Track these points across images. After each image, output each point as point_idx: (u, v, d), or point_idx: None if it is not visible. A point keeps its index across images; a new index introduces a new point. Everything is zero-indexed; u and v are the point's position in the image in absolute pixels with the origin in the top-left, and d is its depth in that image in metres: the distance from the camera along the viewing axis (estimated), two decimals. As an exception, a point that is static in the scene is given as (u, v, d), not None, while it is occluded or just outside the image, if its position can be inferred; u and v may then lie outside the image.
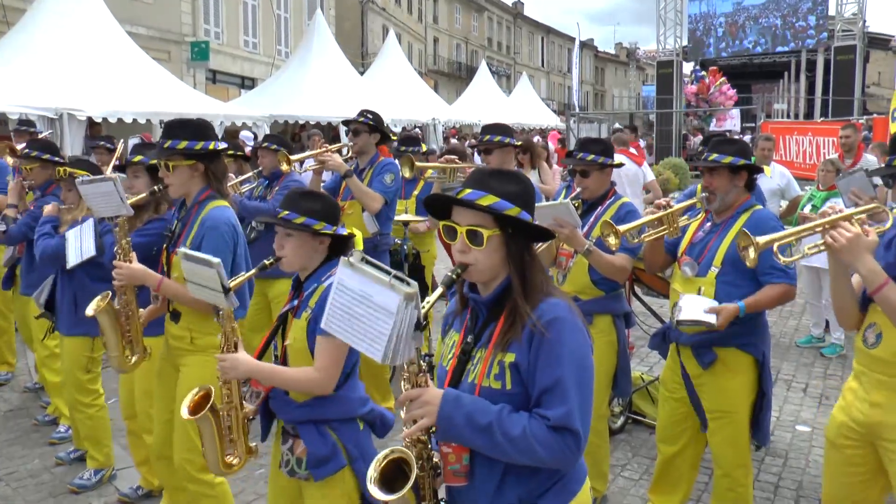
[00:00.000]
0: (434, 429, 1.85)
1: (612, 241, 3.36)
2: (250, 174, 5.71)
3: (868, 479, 2.71)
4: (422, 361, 1.84)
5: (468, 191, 1.90)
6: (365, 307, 1.73)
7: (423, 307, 1.77)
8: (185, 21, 21.60)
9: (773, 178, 6.95)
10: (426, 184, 5.94)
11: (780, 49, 29.57)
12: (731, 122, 22.05)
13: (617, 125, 19.49)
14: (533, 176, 7.05)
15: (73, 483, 4.23)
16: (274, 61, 24.51)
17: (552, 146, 12.80)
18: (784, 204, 7.23)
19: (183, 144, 3.18)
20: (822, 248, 2.56)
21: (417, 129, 19.28)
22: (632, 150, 8.15)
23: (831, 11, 27.29)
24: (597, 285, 3.72)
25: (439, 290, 1.89)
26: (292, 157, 5.08)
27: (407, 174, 5.18)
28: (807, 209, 6.19)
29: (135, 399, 3.83)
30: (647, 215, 3.54)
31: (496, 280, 1.96)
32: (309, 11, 26.25)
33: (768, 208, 4.60)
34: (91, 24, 12.74)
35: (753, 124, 20.99)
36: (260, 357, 2.72)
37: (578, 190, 3.79)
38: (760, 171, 3.59)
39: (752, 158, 3.49)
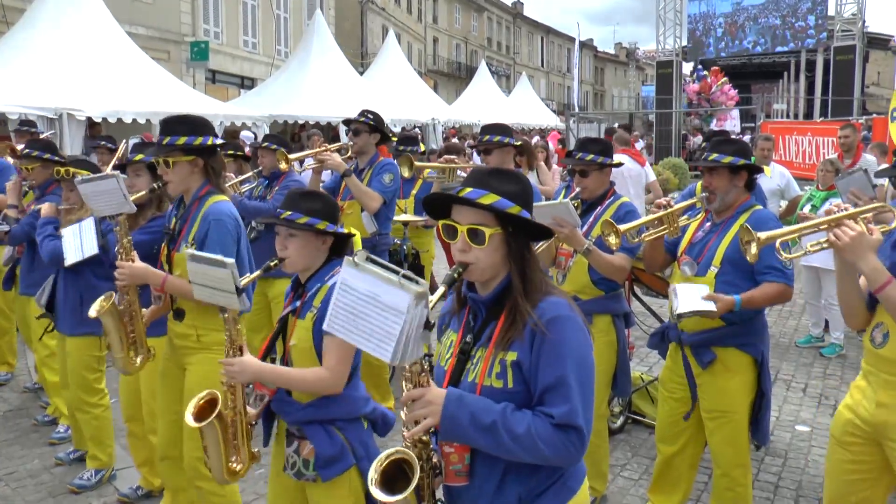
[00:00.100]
0: (434, 428, 1.85)
1: (612, 240, 3.36)
2: (250, 174, 5.72)
3: (872, 478, 2.70)
4: (423, 361, 1.84)
5: (469, 189, 1.90)
6: (372, 307, 1.70)
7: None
8: (185, 21, 21.60)
9: (773, 178, 6.96)
10: (424, 183, 5.94)
11: (779, 49, 29.61)
12: (732, 122, 22.05)
13: (615, 125, 19.45)
14: (531, 177, 7.06)
15: (73, 483, 4.23)
16: (273, 61, 24.51)
17: (552, 146, 12.81)
18: (784, 204, 7.24)
19: (182, 140, 3.17)
20: (826, 245, 2.56)
21: (417, 130, 19.29)
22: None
23: (831, 11, 27.34)
24: (596, 285, 3.72)
25: (441, 290, 1.89)
26: (291, 156, 5.09)
27: (406, 174, 5.18)
28: (806, 209, 6.19)
29: (141, 400, 3.79)
30: (647, 215, 3.54)
31: (496, 279, 1.96)
32: (308, 11, 26.26)
33: (769, 208, 4.61)
34: (90, 23, 12.73)
35: (753, 124, 20.99)
36: (263, 360, 2.71)
37: (578, 190, 3.79)
38: (760, 171, 3.59)
39: (752, 158, 3.50)
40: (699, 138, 20.60)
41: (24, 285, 4.93)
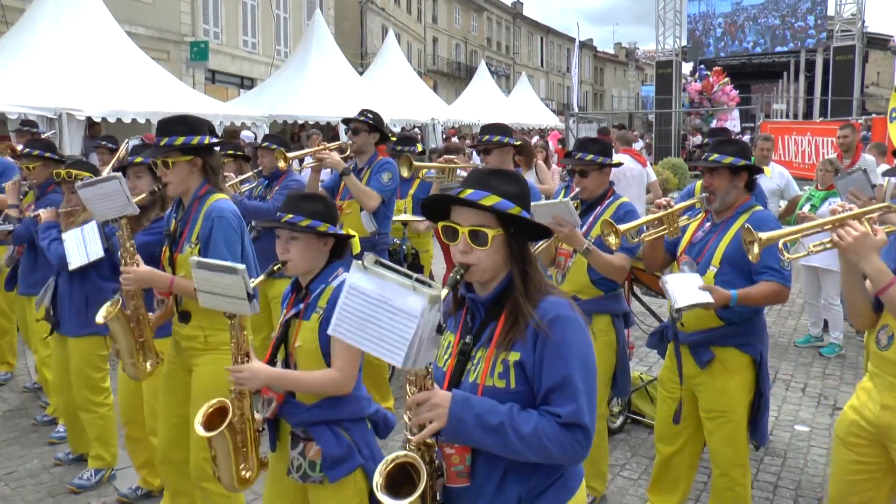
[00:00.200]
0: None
1: (612, 240, 3.36)
2: (250, 174, 5.72)
3: (877, 479, 2.69)
4: (427, 364, 1.83)
5: (470, 191, 1.90)
6: (383, 311, 1.66)
7: None
8: (185, 21, 21.59)
9: (773, 178, 6.96)
10: (422, 183, 5.93)
11: (779, 49, 29.64)
12: (732, 122, 22.06)
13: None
14: (530, 176, 7.06)
15: (73, 483, 4.22)
16: (273, 61, 24.50)
17: (552, 146, 12.82)
18: (783, 204, 7.25)
19: (180, 140, 3.15)
20: (829, 245, 2.56)
21: (417, 130, 19.29)
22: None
23: (830, 11, 27.36)
24: (596, 285, 3.73)
25: (444, 291, 1.89)
26: (289, 155, 5.09)
27: (405, 174, 5.17)
28: (805, 209, 6.19)
29: (143, 401, 3.77)
30: (647, 215, 3.54)
31: (495, 280, 1.96)
32: (308, 11, 26.25)
33: (768, 208, 4.61)
34: (90, 23, 12.72)
35: (752, 124, 21.02)
36: (269, 364, 2.68)
37: (577, 190, 3.79)
38: (761, 171, 3.60)
39: (752, 159, 3.50)
40: (698, 138, 20.63)
41: (25, 285, 4.93)
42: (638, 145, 15.08)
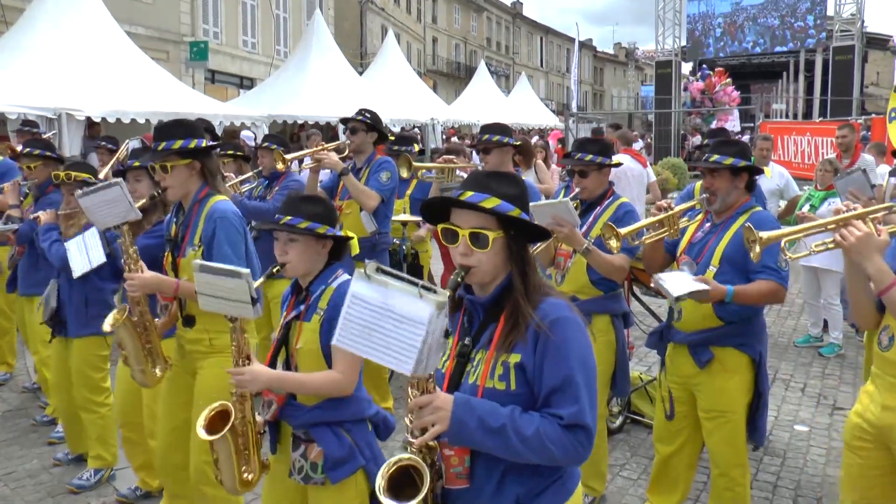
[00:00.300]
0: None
1: (613, 243, 3.35)
2: (250, 174, 5.72)
3: (887, 483, 2.65)
4: None
5: (470, 193, 1.90)
6: (388, 319, 1.64)
7: None
8: (184, 21, 21.59)
9: (772, 178, 6.97)
10: (420, 183, 5.93)
11: (778, 49, 29.63)
12: (732, 122, 22.06)
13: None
14: (529, 176, 7.06)
15: (72, 483, 4.22)
16: (273, 61, 24.48)
17: (552, 145, 12.82)
18: (783, 204, 7.25)
19: (178, 144, 3.14)
20: (831, 246, 2.55)
21: (416, 130, 19.28)
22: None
23: (830, 11, 27.34)
24: (595, 285, 3.73)
25: (446, 293, 1.89)
26: (288, 156, 5.09)
27: (404, 174, 5.17)
28: (805, 209, 6.20)
29: (142, 403, 3.75)
30: (647, 216, 3.54)
31: (495, 281, 1.96)
32: (308, 11, 26.24)
33: (768, 209, 4.62)
34: (90, 23, 12.72)
35: (752, 124, 21.01)
36: (270, 367, 2.68)
37: (577, 190, 3.80)
38: (761, 172, 3.60)
39: (752, 159, 3.50)
40: (698, 138, 20.62)
41: (25, 286, 4.93)
42: (638, 145, 15.08)
